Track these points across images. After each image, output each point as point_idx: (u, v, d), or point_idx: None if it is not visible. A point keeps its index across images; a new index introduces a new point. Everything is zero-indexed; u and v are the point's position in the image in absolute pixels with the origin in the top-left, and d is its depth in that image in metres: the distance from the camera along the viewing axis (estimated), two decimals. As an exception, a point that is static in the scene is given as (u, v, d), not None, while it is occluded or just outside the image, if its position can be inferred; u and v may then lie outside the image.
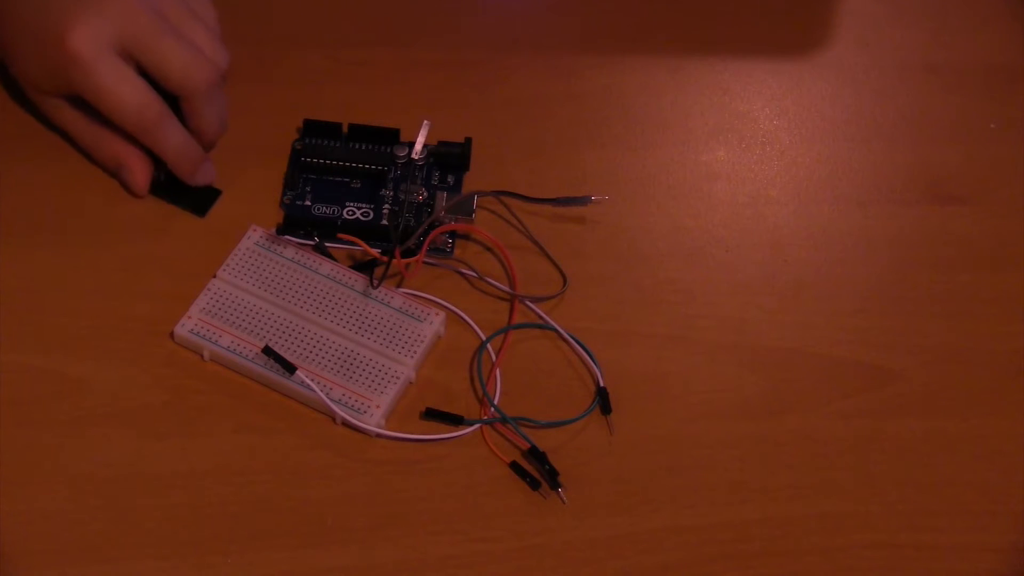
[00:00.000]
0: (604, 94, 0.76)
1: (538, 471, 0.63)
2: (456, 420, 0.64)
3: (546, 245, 0.69)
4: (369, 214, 0.70)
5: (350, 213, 0.70)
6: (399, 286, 0.67)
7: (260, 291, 0.66)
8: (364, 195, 0.70)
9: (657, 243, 0.71)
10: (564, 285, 0.68)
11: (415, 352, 0.65)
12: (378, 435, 0.63)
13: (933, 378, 0.67)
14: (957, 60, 0.79)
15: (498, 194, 0.70)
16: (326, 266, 0.67)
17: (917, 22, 0.80)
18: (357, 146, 0.71)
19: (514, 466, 0.63)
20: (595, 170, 0.73)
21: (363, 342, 0.65)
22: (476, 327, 0.67)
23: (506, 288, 0.68)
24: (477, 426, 0.64)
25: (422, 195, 0.70)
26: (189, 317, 0.65)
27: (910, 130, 0.76)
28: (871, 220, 0.72)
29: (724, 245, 0.71)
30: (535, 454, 0.63)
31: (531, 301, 0.68)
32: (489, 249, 0.69)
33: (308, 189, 0.70)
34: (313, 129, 0.72)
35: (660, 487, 0.63)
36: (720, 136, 0.75)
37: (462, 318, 0.67)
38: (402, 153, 0.71)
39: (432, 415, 0.64)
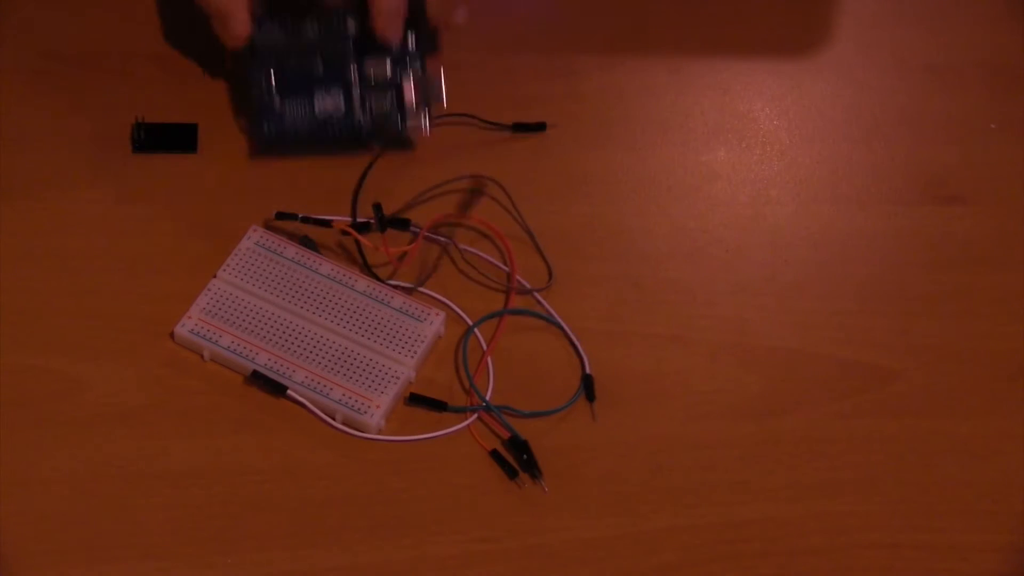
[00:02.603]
0: (604, 94, 0.76)
1: (517, 460, 0.62)
2: (440, 406, 0.64)
3: (545, 245, 0.69)
4: (340, 108, 0.69)
5: (322, 112, 0.69)
6: (390, 277, 0.67)
7: (260, 291, 0.66)
8: (330, 79, 0.69)
9: (657, 243, 0.71)
10: (550, 279, 0.68)
11: (415, 352, 0.65)
12: (378, 435, 0.63)
13: (933, 378, 0.67)
14: (957, 60, 0.79)
15: (458, 115, 0.72)
16: (326, 266, 0.67)
17: (917, 22, 0.80)
18: (312, 27, 0.70)
19: (494, 454, 0.63)
20: (595, 170, 0.73)
21: (363, 342, 0.65)
22: (466, 317, 0.66)
23: (503, 268, 0.68)
24: (468, 421, 0.64)
25: (388, 70, 0.70)
26: (189, 317, 0.65)
27: (910, 130, 0.76)
28: (871, 220, 0.72)
29: (724, 245, 0.71)
30: (515, 444, 0.63)
31: (518, 293, 0.67)
32: (486, 236, 0.69)
33: (275, 87, 0.69)
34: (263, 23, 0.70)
35: (660, 487, 0.63)
36: (720, 136, 0.75)
37: (452, 308, 0.67)
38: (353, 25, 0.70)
39: (416, 400, 0.64)
